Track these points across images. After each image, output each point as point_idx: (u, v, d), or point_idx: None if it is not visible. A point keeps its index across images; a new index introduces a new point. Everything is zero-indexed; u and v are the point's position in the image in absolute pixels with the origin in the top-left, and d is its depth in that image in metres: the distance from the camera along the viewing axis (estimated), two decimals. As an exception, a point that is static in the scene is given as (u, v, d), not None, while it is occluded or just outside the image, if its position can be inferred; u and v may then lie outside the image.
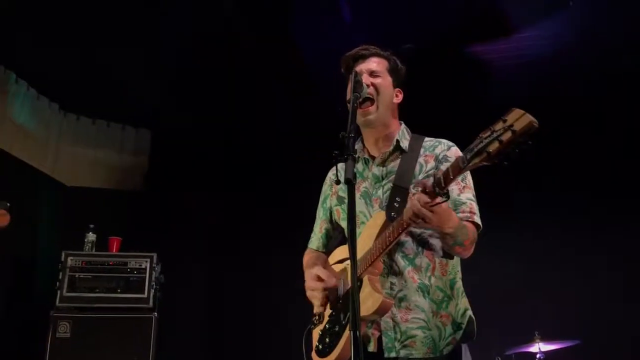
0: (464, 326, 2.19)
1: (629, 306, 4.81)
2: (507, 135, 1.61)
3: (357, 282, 2.11)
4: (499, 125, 1.65)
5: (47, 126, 5.60)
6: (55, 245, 4.94)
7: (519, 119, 1.60)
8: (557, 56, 4.88)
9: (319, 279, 2.29)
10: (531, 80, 5.18)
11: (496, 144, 1.64)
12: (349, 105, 2.19)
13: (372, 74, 2.35)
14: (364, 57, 2.39)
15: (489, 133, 1.68)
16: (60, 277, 4.51)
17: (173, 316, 5.08)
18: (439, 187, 1.85)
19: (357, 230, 2.28)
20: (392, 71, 2.40)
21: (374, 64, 2.38)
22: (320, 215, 2.63)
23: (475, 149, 1.71)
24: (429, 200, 1.89)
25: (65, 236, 5.16)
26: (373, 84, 2.30)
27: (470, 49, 4.88)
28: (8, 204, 3.59)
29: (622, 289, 4.92)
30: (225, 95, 5.51)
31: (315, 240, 2.61)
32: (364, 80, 2.24)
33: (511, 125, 1.61)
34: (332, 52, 2.57)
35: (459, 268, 2.30)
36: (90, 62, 4.95)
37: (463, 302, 2.25)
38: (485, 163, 1.70)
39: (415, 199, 1.91)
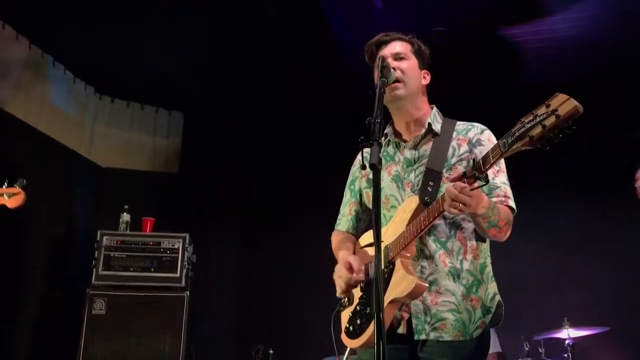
0: (493, 310, 2.19)
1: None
2: (551, 120, 1.60)
3: (390, 265, 2.13)
4: (542, 110, 1.63)
5: (83, 109, 5.73)
6: (90, 225, 5.08)
7: (563, 103, 1.58)
8: (592, 38, 4.78)
9: (350, 268, 2.26)
10: (565, 64, 5.10)
11: (539, 128, 1.62)
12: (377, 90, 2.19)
13: (397, 56, 2.34)
14: (386, 43, 2.39)
15: (531, 117, 1.66)
16: (96, 255, 4.64)
17: (205, 295, 5.18)
18: (478, 171, 1.84)
19: (388, 214, 2.29)
20: (417, 53, 2.39)
21: (398, 46, 2.37)
22: (349, 197, 2.60)
23: (517, 133, 1.69)
24: (466, 185, 1.88)
25: (100, 216, 5.31)
26: (399, 67, 2.29)
27: (503, 32, 4.81)
28: (25, 181, 3.37)
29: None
30: (257, 76, 5.54)
31: (345, 222, 2.58)
32: (390, 65, 2.22)
33: (555, 110, 1.59)
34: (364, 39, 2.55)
35: (489, 252, 2.30)
36: (124, 45, 5.05)
37: (492, 287, 2.25)
38: (527, 147, 1.69)
39: (452, 186, 1.89)
